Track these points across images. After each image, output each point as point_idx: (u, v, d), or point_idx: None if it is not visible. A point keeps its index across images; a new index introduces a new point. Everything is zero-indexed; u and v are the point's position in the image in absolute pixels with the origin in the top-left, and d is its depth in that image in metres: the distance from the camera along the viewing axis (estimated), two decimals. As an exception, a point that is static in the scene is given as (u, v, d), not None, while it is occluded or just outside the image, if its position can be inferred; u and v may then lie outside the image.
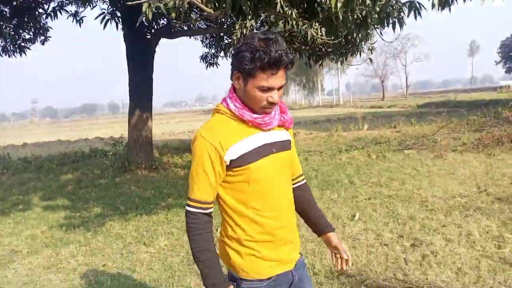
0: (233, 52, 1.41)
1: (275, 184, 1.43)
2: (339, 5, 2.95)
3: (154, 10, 2.95)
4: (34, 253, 4.19)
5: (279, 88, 1.35)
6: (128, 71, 8.31)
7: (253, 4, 3.68)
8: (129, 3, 2.81)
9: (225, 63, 12.29)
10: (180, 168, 8.57)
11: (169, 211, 5.34)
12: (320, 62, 8.49)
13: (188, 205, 1.39)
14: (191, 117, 44.89)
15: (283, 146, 1.47)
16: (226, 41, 9.74)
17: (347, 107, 39.80)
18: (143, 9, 3.00)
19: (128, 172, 8.10)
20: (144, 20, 3.06)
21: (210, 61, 10.64)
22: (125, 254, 3.97)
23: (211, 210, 1.41)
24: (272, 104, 1.36)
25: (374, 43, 7.52)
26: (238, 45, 1.36)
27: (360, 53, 7.93)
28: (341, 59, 8.12)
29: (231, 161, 1.36)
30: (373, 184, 6.03)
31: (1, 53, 7.67)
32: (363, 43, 7.54)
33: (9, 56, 7.71)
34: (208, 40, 10.56)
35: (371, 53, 7.82)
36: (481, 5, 3.57)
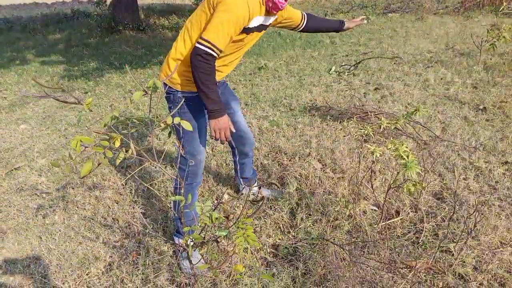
0: None
1: (243, 48, 1.82)
2: None
3: None
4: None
5: None
6: None
7: None
8: None
9: None
10: (167, 30, 8.67)
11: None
12: None
13: (209, 48, 1.57)
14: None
15: (264, 28, 1.82)
16: None
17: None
18: None
19: (116, 33, 8.20)
20: None
21: None
22: (127, 98, 4.53)
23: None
24: None
25: None
26: None
27: None
28: None
29: (246, 27, 1.66)
30: (352, 44, 6.42)
31: None
32: None
33: None
34: None
35: None
36: None
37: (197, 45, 1.58)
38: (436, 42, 5.98)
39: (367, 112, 3.44)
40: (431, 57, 5.14)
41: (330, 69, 5.22)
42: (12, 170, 3.01)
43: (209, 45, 1.57)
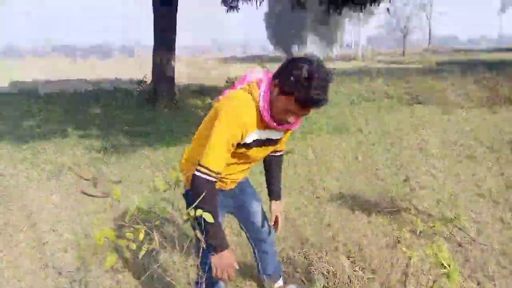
0: (288, 62, 1.52)
1: (251, 160, 1.78)
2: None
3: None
4: (79, 168, 4.90)
5: (302, 116, 1.56)
6: (153, 10, 8.63)
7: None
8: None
9: (245, 8, 12.28)
10: (200, 109, 9.14)
11: (192, 144, 5.97)
12: (339, 10, 8.65)
13: (206, 174, 1.55)
14: (206, 64, 44.70)
15: (273, 142, 1.76)
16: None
17: (366, 60, 39.10)
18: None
19: (152, 110, 8.72)
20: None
21: (231, 4, 10.69)
22: (156, 174, 4.65)
23: None
24: (287, 122, 1.57)
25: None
26: (293, 62, 1.49)
27: (378, 3, 8.04)
28: (360, 7, 8.25)
29: (242, 143, 1.62)
30: (379, 133, 6.53)
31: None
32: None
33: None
34: (229, -18, 10.49)
35: (390, 2, 7.90)
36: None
37: (196, 172, 1.57)
38: (463, 135, 6.00)
39: (398, 207, 3.37)
40: (460, 151, 5.13)
41: (357, 158, 5.29)
42: (42, 243, 3.04)
43: (206, 171, 1.56)
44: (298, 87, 1.43)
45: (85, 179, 3.41)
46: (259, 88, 1.59)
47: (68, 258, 2.84)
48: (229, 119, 1.54)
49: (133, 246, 1.42)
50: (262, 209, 2.10)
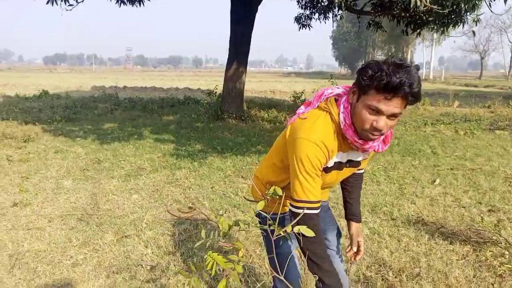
0: (364, 64, 1.36)
1: (327, 185, 1.61)
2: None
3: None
4: (155, 171, 5.17)
5: (390, 116, 1.30)
6: (230, 26, 8.97)
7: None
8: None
9: (317, 25, 12.32)
10: (266, 122, 9.25)
11: (260, 155, 6.04)
12: (418, 31, 8.32)
13: (308, 208, 1.40)
14: (270, 78, 45.42)
15: (355, 164, 1.58)
16: (323, 3, 9.83)
17: (438, 82, 37.22)
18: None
19: (221, 120, 9.00)
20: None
21: (304, 23, 10.82)
22: (227, 182, 4.75)
23: None
24: (375, 130, 1.32)
25: (481, 14, 7.18)
26: (370, 62, 1.33)
27: (463, 24, 7.62)
28: (442, 29, 7.88)
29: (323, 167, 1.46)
30: (457, 157, 6.12)
31: (126, 2, 8.73)
32: (468, 13, 7.24)
33: (132, 5, 8.77)
34: (304, 1, 10.65)
35: (476, 25, 7.46)
36: None
37: (293, 209, 1.43)
38: (557, 167, 5.43)
39: (484, 238, 3.11)
40: (554, 184, 4.64)
41: (434, 181, 4.99)
42: (123, 237, 3.23)
43: (305, 205, 1.40)
44: (378, 76, 1.23)
45: (171, 214, 3.59)
46: (338, 105, 1.43)
47: (148, 253, 2.98)
48: (310, 146, 1.37)
49: (239, 269, 1.19)
50: (339, 240, 1.86)
